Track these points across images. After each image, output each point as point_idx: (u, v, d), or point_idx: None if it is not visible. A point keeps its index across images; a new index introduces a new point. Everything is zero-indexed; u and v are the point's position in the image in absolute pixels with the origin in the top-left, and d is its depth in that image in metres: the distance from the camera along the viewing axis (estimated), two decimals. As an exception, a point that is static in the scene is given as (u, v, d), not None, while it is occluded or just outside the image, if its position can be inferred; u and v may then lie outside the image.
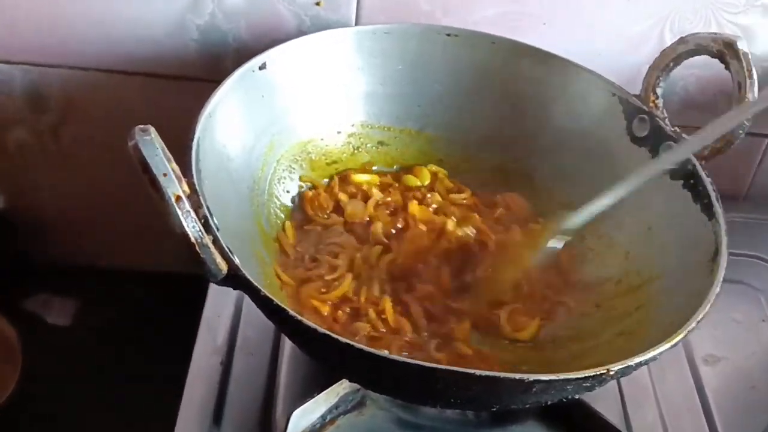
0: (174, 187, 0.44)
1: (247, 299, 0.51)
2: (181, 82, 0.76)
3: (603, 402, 0.63)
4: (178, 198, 0.44)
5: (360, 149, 0.72)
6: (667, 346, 0.50)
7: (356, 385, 0.59)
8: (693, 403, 0.67)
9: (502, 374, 0.45)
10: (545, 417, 0.61)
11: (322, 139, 0.70)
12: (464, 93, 0.72)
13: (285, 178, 0.68)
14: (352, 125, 0.72)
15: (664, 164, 0.62)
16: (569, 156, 0.70)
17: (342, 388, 0.59)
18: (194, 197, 0.48)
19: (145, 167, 0.43)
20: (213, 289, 0.69)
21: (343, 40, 0.69)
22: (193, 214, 0.45)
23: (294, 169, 0.68)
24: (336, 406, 0.59)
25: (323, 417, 0.59)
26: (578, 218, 0.62)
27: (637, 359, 0.48)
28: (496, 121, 0.72)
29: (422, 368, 0.45)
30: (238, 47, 0.74)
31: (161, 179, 0.43)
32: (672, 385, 0.68)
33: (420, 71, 0.71)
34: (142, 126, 0.45)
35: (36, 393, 0.76)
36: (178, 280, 0.78)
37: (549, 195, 0.71)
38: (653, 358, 0.49)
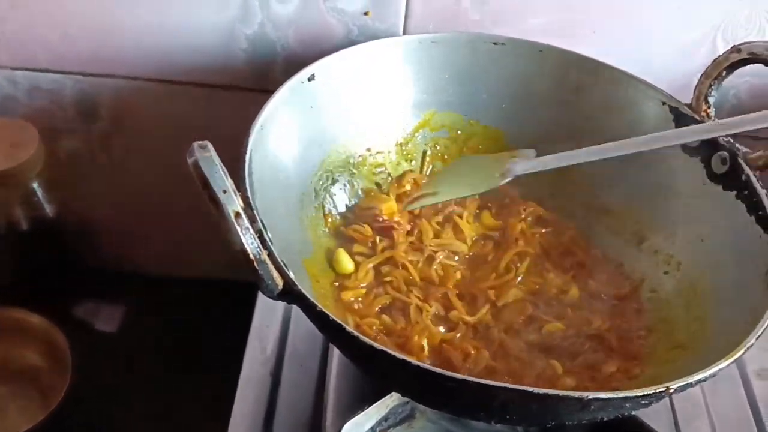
0: (233, 203, 0.44)
1: (295, 310, 0.51)
2: (230, 92, 0.76)
3: (654, 416, 0.62)
4: (237, 214, 0.44)
5: (406, 157, 0.72)
6: (727, 362, 0.49)
7: (405, 398, 0.59)
8: (746, 418, 0.66)
9: (561, 392, 0.45)
10: (596, 431, 0.61)
11: (368, 149, 0.70)
12: (511, 102, 0.72)
13: (333, 187, 0.68)
14: (399, 134, 0.71)
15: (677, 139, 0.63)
16: (618, 165, 0.69)
17: (391, 400, 0.59)
18: (249, 211, 0.48)
19: (206, 184, 0.44)
20: (261, 299, 0.70)
21: (391, 49, 0.69)
22: (251, 230, 0.45)
23: (343, 178, 0.68)
24: (385, 419, 0.59)
25: (372, 429, 0.59)
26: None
27: (697, 376, 0.48)
28: (544, 130, 0.72)
29: (480, 385, 0.44)
30: (287, 56, 0.74)
31: (221, 196, 0.44)
32: (724, 400, 0.67)
33: (467, 80, 0.71)
34: (200, 142, 0.45)
35: (85, 399, 0.76)
36: (226, 288, 0.79)
37: (598, 204, 0.70)
38: (713, 375, 0.49)
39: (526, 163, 0.66)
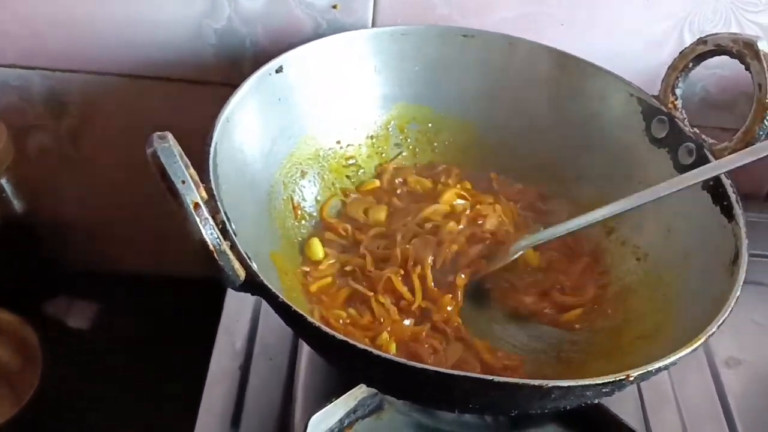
0: (192, 194, 0.44)
1: (265, 304, 0.51)
2: (199, 86, 0.76)
3: (623, 405, 0.63)
4: (197, 205, 0.44)
5: (377, 150, 0.72)
6: (687, 351, 0.49)
7: (374, 390, 0.59)
8: (714, 407, 0.67)
9: (521, 380, 0.45)
10: (564, 420, 0.61)
11: (338, 142, 0.70)
12: (481, 94, 0.72)
13: (303, 180, 0.68)
14: (369, 127, 0.72)
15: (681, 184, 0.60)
16: (588, 157, 0.70)
17: (360, 392, 0.59)
18: (212, 203, 0.48)
19: (164, 174, 0.44)
20: (231, 293, 0.69)
21: (360, 42, 0.69)
22: (211, 220, 0.45)
23: (312, 171, 0.68)
24: (354, 411, 0.59)
25: (341, 421, 0.59)
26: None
27: (657, 364, 0.48)
28: (514, 123, 0.72)
29: (440, 374, 0.45)
30: (256, 51, 0.74)
31: (179, 186, 0.44)
32: (692, 389, 0.67)
33: (437, 73, 0.71)
34: (160, 133, 0.45)
35: (56, 396, 0.76)
36: (199, 284, 0.78)
37: (567, 195, 0.71)
38: (673, 363, 0.49)
39: (530, 239, 0.65)
